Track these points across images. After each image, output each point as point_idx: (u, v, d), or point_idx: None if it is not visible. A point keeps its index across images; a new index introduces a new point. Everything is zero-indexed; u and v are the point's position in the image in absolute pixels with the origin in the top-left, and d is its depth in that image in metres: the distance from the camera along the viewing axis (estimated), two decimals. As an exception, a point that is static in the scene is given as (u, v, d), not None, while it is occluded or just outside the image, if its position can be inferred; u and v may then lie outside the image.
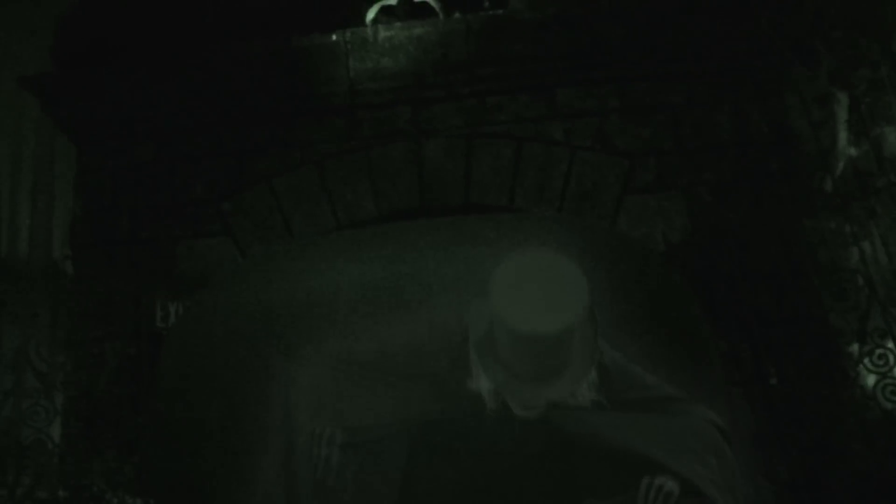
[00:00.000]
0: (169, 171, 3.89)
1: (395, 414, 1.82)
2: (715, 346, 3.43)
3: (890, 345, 3.30)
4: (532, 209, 3.65)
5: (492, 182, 3.69)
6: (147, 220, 3.85)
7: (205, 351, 2.34)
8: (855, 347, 3.43)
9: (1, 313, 4.06)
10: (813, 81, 3.90)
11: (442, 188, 3.70)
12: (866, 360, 3.41)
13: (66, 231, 4.16)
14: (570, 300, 1.63)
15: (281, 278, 2.55)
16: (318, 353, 1.96)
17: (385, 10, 3.90)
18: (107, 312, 3.71)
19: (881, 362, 3.31)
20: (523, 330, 1.61)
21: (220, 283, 3.27)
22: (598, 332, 1.75)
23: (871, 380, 3.47)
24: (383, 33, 3.75)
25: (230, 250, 3.73)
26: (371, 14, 3.89)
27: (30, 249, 4.48)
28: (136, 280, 3.72)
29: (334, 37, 3.77)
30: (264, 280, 2.59)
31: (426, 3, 3.87)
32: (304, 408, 1.86)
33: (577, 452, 1.77)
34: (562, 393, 1.70)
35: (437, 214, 3.61)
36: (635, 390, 1.86)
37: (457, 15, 3.81)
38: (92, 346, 3.67)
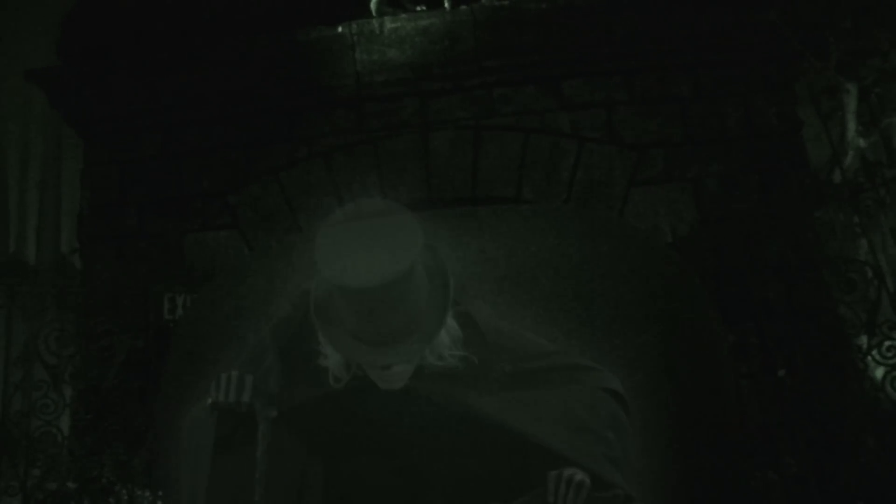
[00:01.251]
0: (176, 164, 3.89)
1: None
2: (723, 338, 3.42)
3: (899, 336, 3.30)
4: (539, 201, 3.64)
5: (499, 174, 3.68)
6: (154, 213, 3.85)
7: (212, 342, 2.33)
8: (864, 339, 3.42)
9: (10, 307, 4.08)
10: (822, 72, 3.88)
11: (449, 180, 3.70)
12: (875, 352, 3.40)
13: (73, 225, 4.17)
14: (399, 252, 1.50)
15: (286, 269, 2.51)
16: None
17: (391, 2, 3.89)
18: (115, 305, 3.72)
19: (890, 354, 3.30)
20: (349, 285, 1.48)
21: (227, 276, 3.27)
22: (450, 289, 1.60)
23: (879, 371, 3.45)
24: (389, 25, 3.73)
25: (237, 243, 3.73)
26: (376, 5, 3.88)
27: (38, 244, 4.49)
28: (144, 273, 3.73)
29: (340, 29, 3.76)
30: (268, 271, 2.55)
31: (433, -6, 3.86)
32: None
33: (470, 443, 1.60)
34: (413, 355, 1.55)
35: (445, 206, 3.60)
36: (523, 360, 1.68)
37: (463, 6, 3.79)
38: (100, 338, 3.68)
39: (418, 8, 3.82)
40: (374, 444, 1.63)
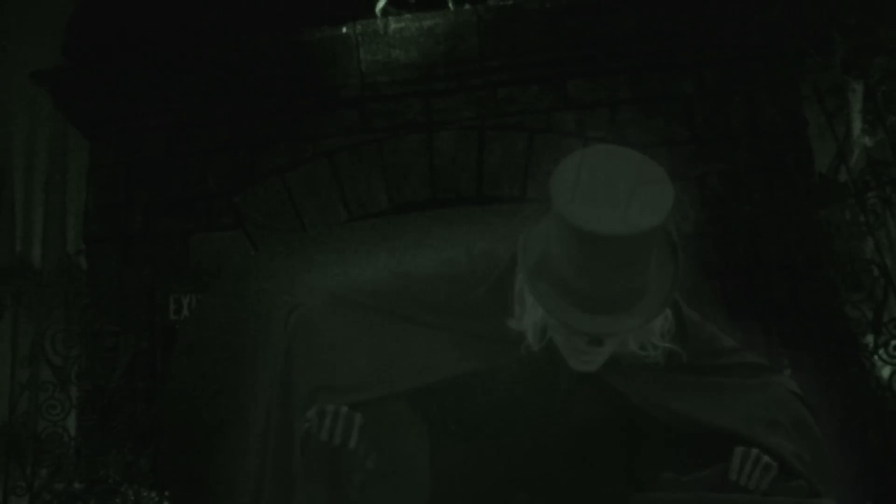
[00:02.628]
0: (181, 164, 3.90)
1: (412, 366, 1.46)
2: (728, 338, 3.42)
3: (906, 335, 3.29)
4: (544, 200, 3.63)
5: (504, 173, 3.67)
6: (159, 213, 3.86)
7: (217, 342, 2.32)
8: (870, 338, 3.41)
9: (16, 308, 4.09)
10: (827, 70, 3.87)
11: (454, 180, 3.70)
12: (882, 352, 3.39)
13: (79, 225, 4.19)
14: (652, 201, 1.28)
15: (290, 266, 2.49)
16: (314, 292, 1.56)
17: (395, 2, 3.89)
18: (120, 306, 3.73)
19: (897, 353, 3.29)
20: (590, 229, 1.25)
21: (232, 275, 3.27)
22: (679, 260, 1.38)
23: (886, 371, 3.44)
24: (394, 25, 3.74)
25: (243, 243, 3.74)
26: (381, 5, 3.88)
27: (44, 244, 4.51)
28: (150, 273, 3.74)
29: (345, 29, 3.76)
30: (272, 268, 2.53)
31: (437, -6, 3.86)
32: (301, 372, 1.48)
33: (646, 422, 1.47)
34: (628, 328, 1.33)
35: (450, 206, 3.60)
36: (711, 355, 1.53)
37: (467, 6, 3.79)
38: (106, 339, 3.69)
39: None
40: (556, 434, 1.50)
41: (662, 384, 1.46)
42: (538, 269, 1.35)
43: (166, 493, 3.17)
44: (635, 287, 1.32)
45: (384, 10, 3.83)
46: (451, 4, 3.82)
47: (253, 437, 1.56)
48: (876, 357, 3.41)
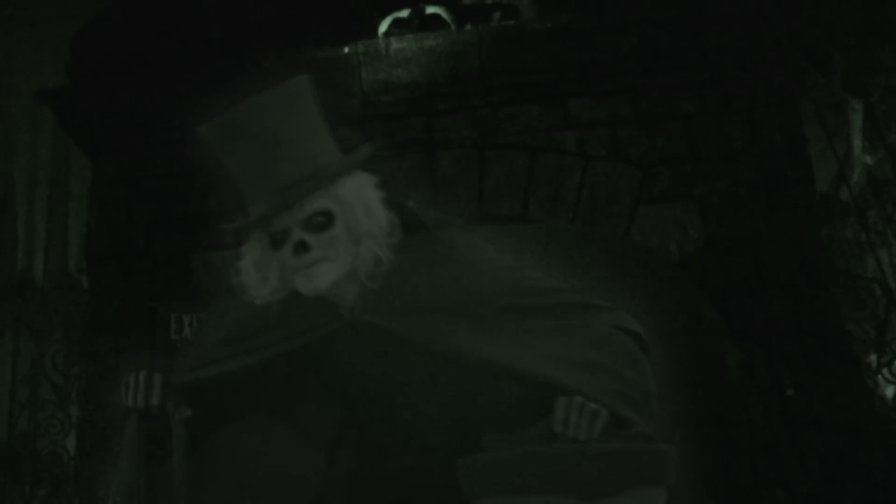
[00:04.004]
0: (183, 184, 3.90)
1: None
2: (731, 356, 3.41)
3: (909, 354, 3.28)
4: (546, 219, 3.64)
5: (505, 192, 3.68)
6: (161, 232, 3.86)
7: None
8: (873, 357, 3.40)
9: (17, 326, 4.09)
10: (827, 89, 3.88)
11: (455, 199, 3.70)
12: (885, 371, 3.38)
13: (81, 244, 4.19)
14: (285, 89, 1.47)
15: None
16: None
17: (397, 23, 3.91)
18: (122, 325, 3.72)
19: (900, 372, 3.28)
20: (230, 117, 1.46)
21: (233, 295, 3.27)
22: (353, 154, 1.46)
23: (890, 390, 3.43)
24: (395, 45, 3.76)
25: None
26: (383, 26, 3.91)
27: (45, 262, 4.51)
28: (151, 292, 3.74)
29: (347, 49, 3.78)
30: None
31: (438, 15, 3.88)
32: None
33: (457, 374, 1.39)
34: (318, 208, 1.38)
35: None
36: (523, 295, 1.45)
37: (468, 26, 3.81)
38: (107, 358, 3.68)
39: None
40: (346, 400, 1.45)
41: (460, 329, 1.40)
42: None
43: (166, 514, 3.15)
44: (299, 171, 1.39)
45: (386, 31, 3.86)
46: (452, 25, 3.84)
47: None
48: (879, 376, 3.40)
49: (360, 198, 1.45)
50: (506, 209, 3.65)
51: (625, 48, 3.63)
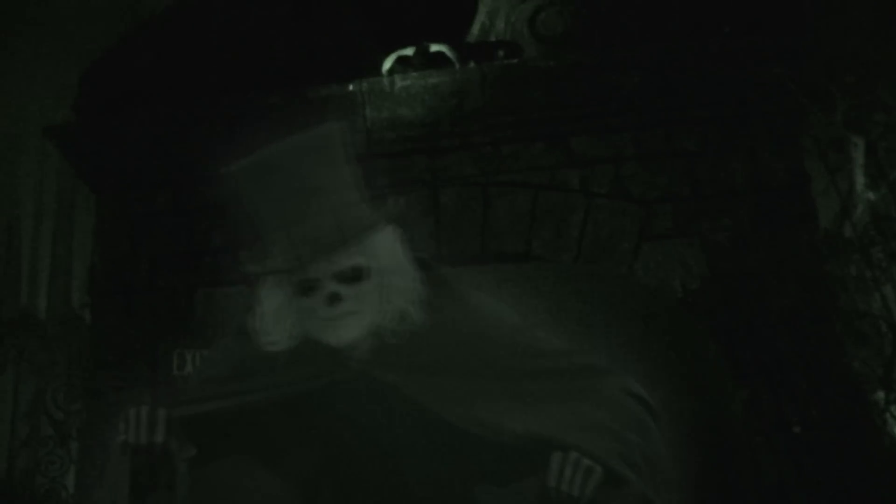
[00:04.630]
0: (187, 220, 3.92)
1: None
2: (735, 394, 3.38)
3: (917, 392, 3.25)
4: (549, 257, 3.64)
5: (508, 230, 3.68)
6: (165, 268, 3.87)
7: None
8: (880, 395, 3.37)
9: (19, 361, 4.07)
10: (828, 126, 3.90)
11: (458, 236, 3.71)
12: (893, 408, 3.34)
13: (84, 279, 4.19)
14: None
15: None
16: None
17: (401, 61, 3.95)
18: (124, 361, 3.71)
19: (908, 410, 3.25)
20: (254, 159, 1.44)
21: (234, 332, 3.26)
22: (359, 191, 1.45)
23: (898, 428, 3.40)
24: (400, 83, 3.79)
25: (248, 299, 3.73)
26: (387, 64, 3.94)
27: (49, 297, 4.50)
28: (154, 328, 3.73)
29: (351, 87, 3.81)
30: None
31: (442, 52, 3.92)
32: None
33: (456, 434, 1.38)
34: (353, 271, 1.37)
35: (454, 263, 3.60)
36: (528, 356, 1.46)
37: (472, 64, 3.84)
38: (109, 394, 3.66)
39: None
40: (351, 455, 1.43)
41: (466, 391, 1.40)
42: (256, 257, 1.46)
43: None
44: (334, 222, 1.38)
45: (391, 69, 3.89)
46: (456, 63, 3.88)
47: None
48: (887, 414, 3.37)
49: (392, 254, 1.46)
50: (509, 247, 3.65)
51: (627, 87, 3.66)
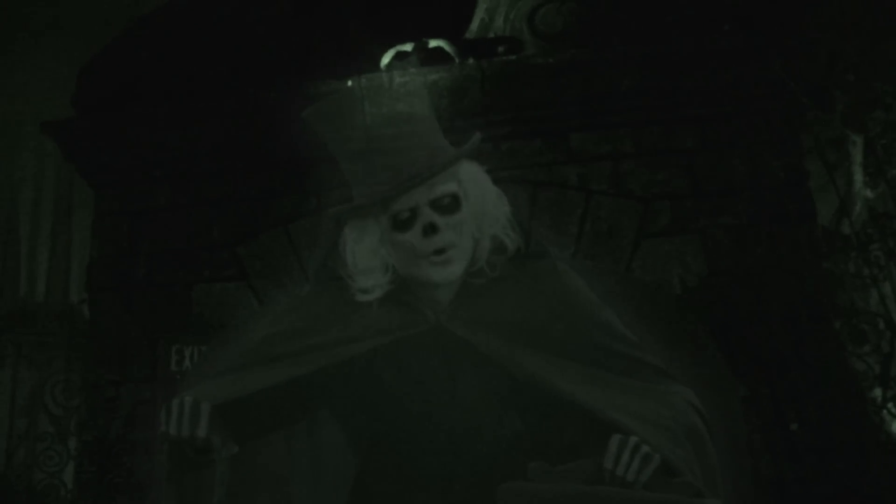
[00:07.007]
0: (185, 215, 3.92)
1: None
2: (734, 391, 3.39)
3: (914, 390, 3.25)
4: (547, 254, 3.63)
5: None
6: (163, 264, 3.87)
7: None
8: (878, 392, 3.37)
9: (17, 356, 4.08)
10: (827, 124, 3.90)
11: (457, 232, 3.70)
12: (890, 405, 3.35)
13: (82, 275, 4.19)
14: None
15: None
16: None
17: (400, 56, 3.94)
18: (122, 356, 3.72)
19: (905, 407, 3.25)
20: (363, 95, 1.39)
21: (235, 327, 3.27)
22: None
23: (895, 425, 3.40)
24: (398, 79, 3.78)
25: (246, 295, 3.74)
26: (386, 59, 3.94)
27: (47, 293, 4.51)
28: (152, 324, 3.73)
29: (350, 83, 3.80)
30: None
31: (441, 48, 3.91)
32: None
33: (522, 402, 1.41)
34: (424, 175, 1.37)
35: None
36: (612, 339, 1.48)
37: (471, 60, 3.84)
38: (107, 389, 3.67)
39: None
40: (415, 414, 1.44)
41: (556, 367, 1.42)
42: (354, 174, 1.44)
43: (163, 549, 3.11)
44: (424, 153, 1.40)
45: (389, 65, 3.89)
46: (455, 59, 3.87)
47: None
48: (884, 411, 3.37)
49: (481, 183, 1.52)
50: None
51: (627, 83, 3.66)
